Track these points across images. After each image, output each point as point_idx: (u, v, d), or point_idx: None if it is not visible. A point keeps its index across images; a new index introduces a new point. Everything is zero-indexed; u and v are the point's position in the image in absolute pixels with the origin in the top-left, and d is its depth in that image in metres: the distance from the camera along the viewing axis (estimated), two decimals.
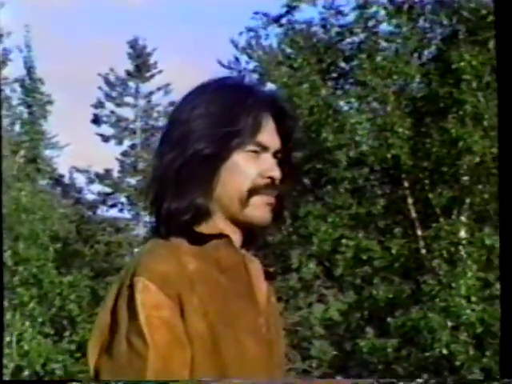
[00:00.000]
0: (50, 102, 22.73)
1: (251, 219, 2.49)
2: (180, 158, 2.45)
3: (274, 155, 2.52)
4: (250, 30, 20.72)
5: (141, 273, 2.36)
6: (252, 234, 2.57)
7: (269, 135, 2.51)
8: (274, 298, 2.66)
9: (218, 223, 2.48)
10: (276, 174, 2.49)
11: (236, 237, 2.52)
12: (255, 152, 2.49)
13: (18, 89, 22.02)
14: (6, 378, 19.70)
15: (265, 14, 19.58)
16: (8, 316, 19.97)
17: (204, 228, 2.46)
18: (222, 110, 2.48)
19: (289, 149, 2.57)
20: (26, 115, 22.42)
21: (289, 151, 2.57)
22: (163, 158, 2.47)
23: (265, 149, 2.50)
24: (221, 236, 2.48)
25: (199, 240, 2.46)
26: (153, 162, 2.55)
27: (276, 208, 2.53)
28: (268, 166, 2.49)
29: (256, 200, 2.48)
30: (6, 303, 20.02)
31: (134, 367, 2.33)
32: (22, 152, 21.85)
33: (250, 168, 2.48)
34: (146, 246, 2.50)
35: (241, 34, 21.35)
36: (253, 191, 2.47)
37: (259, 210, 2.49)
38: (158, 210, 2.48)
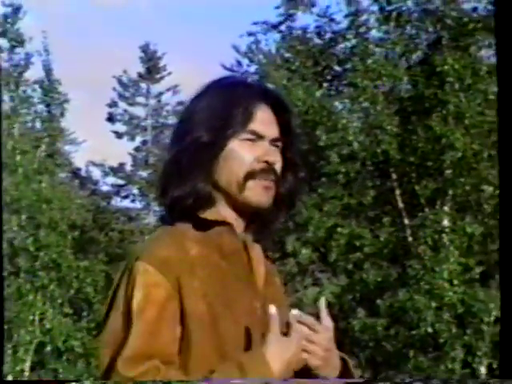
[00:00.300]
0: (66, 101, 22.86)
1: (249, 202, 2.49)
2: (184, 148, 2.48)
3: (272, 143, 2.52)
4: (250, 34, 20.93)
5: (143, 257, 2.40)
6: (258, 223, 2.57)
7: (263, 124, 2.51)
8: (278, 279, 2.70)
9: (221, 210, 2.50)
10: (271, 158, 2.50)
11: (238, 223, 2.52)
12: (251, 140, 2.49)
13: (38, 89, 22.09)
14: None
15: (264, 22, 19.90)
16: (30, 297, 20.17)
17: (208, 214, 2.47)
18: (220, 103, 2.50)
19: (289, 138, 2.57)
20: (45, 113, 22.53)
21: (290, 140, 2.57)
22: (169, 153, 2.53)
23: (260, 137, 2.50)
24: (224, 223, 2.48)
25: (203, 226, 2.47)
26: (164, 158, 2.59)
27: (279, 195, 2.54)
28: (263, 152, 2.50)
29: (253, 184, 2.48)
30: (28, 286, 20.32)
31: (117, 342, 2.35)
32: (43, 147, 21.93)
33: (245, 154, 2.49)
34: (154, 233, 2.57)
35: (241, 36, 21.47)
36: (249, 175, 2.47)
37: (256, 193, 2.48)
38: (164, 200, 2.50)
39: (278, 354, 2.36)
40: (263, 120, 2.51)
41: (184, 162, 2.47)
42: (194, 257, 2.42)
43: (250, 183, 2.48)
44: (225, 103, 2.50)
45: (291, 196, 2.59)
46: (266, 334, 2.39)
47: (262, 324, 2.45)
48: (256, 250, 2.56)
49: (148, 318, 2.34)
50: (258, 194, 2.49)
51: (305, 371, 2.47)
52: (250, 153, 2.49)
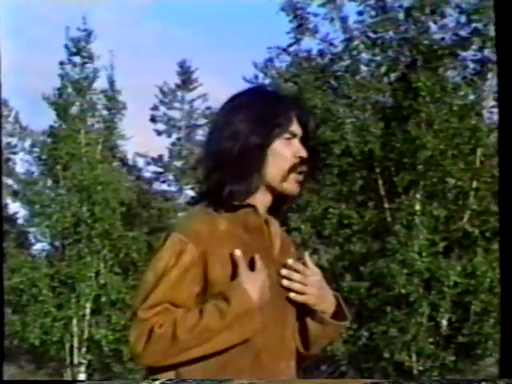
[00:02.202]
0: (125, 108, 22.84)
1: (287, 191, 2.48)
2: (236, 148, 2.40)
3: (300, 140, 2.50)
4: (268, 60, 21.04)
5: (178, 229, 2.39)
6: (278, 203, 2.53)
7: (296, 125, 2.48)
8: (293, 248, 2.62)
9: (255, 197, 2.46)
10: (304, 154, 2.47)
11: (263, 205, 2.48)
12: (288, 139, 2.47)
13: (102, 97, 22.14)
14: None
15: (277, 47, 19.72)
16: (88, 258, 20.25)
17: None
18: (263, 110, 2.45)
19: (307, 135, 2.52)
20: (107, 116, 22.53)
21: (308, 137, 2.51)
22: (220, 146, 2.44)
23: (294, 136, 2.48)
24: (249, 206, 2.44)
25: (235, 208, 2.43)
26: (208, 148, 2.50)
27: (302, 182, 2.52)
28: (298, 149, 2.47)
29: (292, 176, 2.46)
30: (86, 249, 20.36)
31: (145, 294, 2.35)
32: (102, 142, 21.95)
33: (286, 151, 2.46)
34: (191, 210, 2.52)
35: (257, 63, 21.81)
36: (290, 169, 2.45)
37: (293, 184, 2.47)
38: (214, 187, 2.42)
39: (251, 282, 2.34)
40: (296, 122, 2.50)
41: (241, 161, 2.41)
42: (223, 231, 2.38)
43: (291, 176, 2.46)
44: (268, 109, 2.46)
45: (304, 182, 2.56)
46: (238, 271, 2.37)
47: (276, 286, 2.44)
48: (274, 226, 2.53)
49: (171, 277, 2.33)
50: (294, 185, 2.48)
51: (307, 309, 2.49)
52: (288, 150, 2.47)
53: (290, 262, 2.47)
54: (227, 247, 2.37)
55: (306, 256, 2.54)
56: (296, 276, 2.46)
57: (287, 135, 2.47)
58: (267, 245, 2.48)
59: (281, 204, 2.54)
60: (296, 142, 2.49)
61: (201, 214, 2.42)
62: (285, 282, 2.48)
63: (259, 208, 2.48)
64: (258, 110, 2.47)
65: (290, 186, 2.48)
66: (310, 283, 2.48)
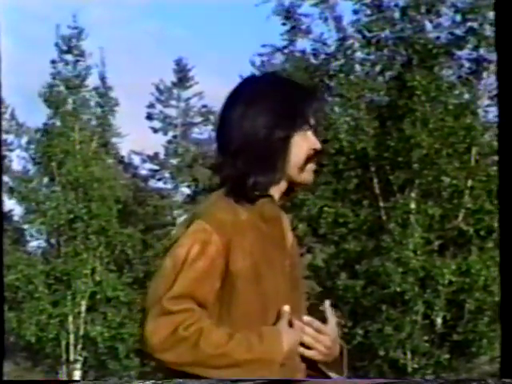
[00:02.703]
0: (116, 104, 22.87)
1: (304, 181, 2.44)
2: (261, 139, 2.37)
3: (313, 131, 2.46)
4: (260, 55, 21.00)
5: (203, 217, 2.30)
6: (288, 190, 2.48)
7: (312, 117, 2.46)
8: (296, 245, 2.56)
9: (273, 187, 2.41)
10: (318, 146, 2.45)
11: (278, 194, 2.43)
12: (306, 130, 2.43)
13: (94, 94, 22.19)
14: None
15: (271, 45, 19.77)
16: (84, 255, 20.23)
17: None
18: (286, 101, 2.41)
19: (318, 126, 2.49)
20: (99, 113, 22.56)
21: (318, 127, 2.49)
22: (241, 135, 2.37)
23: (311, 127, 2.44)
24: (266, 195, 2.39)
25: (252, 200, 2.37)
26: (227, 135, 2.42)
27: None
28: (314, 141, 2.43)
29: (308, 167, 2.42)
30: (82, 246, 20.35)
31: (168, 281, 2.25)
32: (96, 139, 21.94)
33: (304, 143, 2.41)
34: (211, 197, 2.43)
35: (256, 55, 21.68)
36: (307, 160, 2.41)
37: (309, 174, 2.44)
38: (236, 177, 2.36)
39: (288, 335, 2.29)
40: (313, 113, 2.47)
41: (266, 153, 2.36)
42: (244, 221, 2.33)
43: (307, 166, 2.43)
44: (291, 101, 2.42)
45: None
46: (278, 322, 2.31)
47: (290, 279, 2.40)
48: (286, 219, 2.50)
49: (198, 268, 2.25)
50: (310, 175, 2.45)
51: (311, 361, 2.42)
52: (306, 141, 2.42)
53: (308, 319, 2.40)
54: (248, 238, 2.32)
55: (327, 305, 2.47)
56: (309, 330, 2.39)
57: (307, 127, 2.44)
58: (282, 236, 2.44)
59: (290, 191, 2.50)
60: (311, 134, 2.45)
61: (223, 202, 2.35)
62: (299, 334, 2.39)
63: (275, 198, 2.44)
64: (280, 100, 2.42)
65: (307, 176, 2.45)
66: (321, 340, 2.41)
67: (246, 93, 2.43)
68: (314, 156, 2.44)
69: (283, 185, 2.43)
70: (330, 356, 2.43)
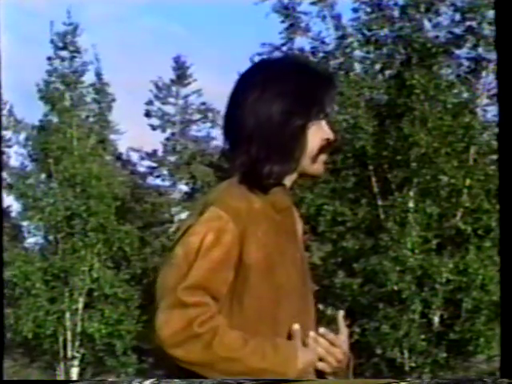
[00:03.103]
0: (113, 100, 22.87)
1: (316, 172, 2.35)
2: (276, 126, 2.26)
3: (327, 120, 2.36)
4: (259, 54, 20.67)
5: (217, 204, 2.20)
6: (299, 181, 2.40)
7: (328, 106, 2.36)
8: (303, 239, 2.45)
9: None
10: (332, 136, 2.34)
11: (290, 183, 2.34)
12: (320, 119, 2.32)
13: (91, 90, 22.23)
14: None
15: (270, 44, 19.50)
16: (82, 252, 20.22)
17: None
18: (302, 86, 2.30)
19: (330, 114, 2.38)
20: (96, 110, 22.57)
21: (329, 116, 2.37)
22: (256, 122, 2.26)
23: (326, 116, 2.34)
24: (279, 184, 2.29)
25: (266, 188, 2.27)
26: (240, 119, 2.28)
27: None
28: (327, 131, 2.33)
29: (321, 158, 2.33)
30: (80, 243, 20.34)
31: (181, 270, 2.16)
32: (93, 136, 21.93)
33: (317, 133, 2.30)
34: (223, 185, 2.32)
35: (253, 56, 21.43)
36: (320, 151, 2.32)
37: (321, 165, 2.34)
38: (250, 164, 2.26)
39: (304, 353, 2.22)
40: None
41: (283, 141, 2.25)
42: (258, 209, 2.23)
43: (320, 157, 2.32)
44: (307, 87, 2.31)
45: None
46: (295, 339, 2.23)
47: (301, 271, 2.32)
48: (296, 210, 2.42)
49: (213, 257, 2.15)
50: (321, 166, 2.35)
51: (319, 372, 2.34)
52: (319, 131, 2.31)
53: (322, 331, 2.32)
54: (262, 227, 2.22)
55: (341, 316, 2.39)
56: (323, 342, 2.31)
57: (322, 115, 2.32)
58: (294, 228, 2.35)
59: (299, 180, 2.41)
60: (324, 123, 2.34)
61: (237, 190, 2.25)
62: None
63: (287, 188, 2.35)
64: (298, 85, 2.29)
65: (319, 167, 2.34)
66: (333, 352, 2.33)
67: (261, 76, 2.31)
68: (327, 147, 2.34)
69: (294, 176, 2.34)
70: (339, 369, 2.36)
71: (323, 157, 2.33)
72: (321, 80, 2.34)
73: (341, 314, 2.40)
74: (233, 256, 2.18)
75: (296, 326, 2.24)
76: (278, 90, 2.26)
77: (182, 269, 2.15)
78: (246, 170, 2.26)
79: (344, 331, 2.37)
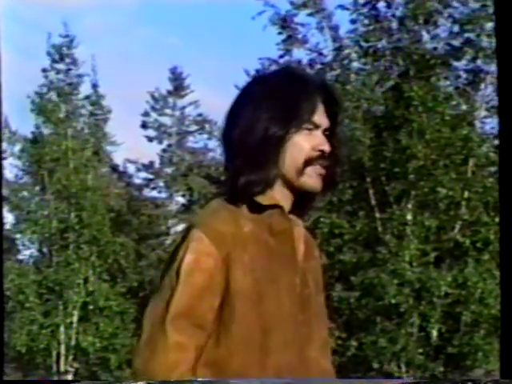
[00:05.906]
0: (109, 112, 22.94)
1: (305, 186, 2.26)
2: (255, 138, 2.23)
3: (323, 132, 2.29)
4: (257, 70, 20.10)
5: (200, 227, 2.16)
6: (302, 201, 2.32)
7: (320, 116, 2.27)
8: (317, 252, 2.43)
9: (275, 194, 2.25)
10: (326, 147, 2.27)
11: (287, 204, 2.27)
12: (308, 129, 2.26)
13: (87, 102, 22.31)
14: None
15: (267, 58, 19.36)
16: (76, 265, 20.15)
17: (263, 199, 2.22)
18: (287, 97, 2.26)
19: (334, 127, 2.32)
20: (92, 121, 22.59)
21: (334, 129, 2.32)
22: (238, 136, 2.26)
23: (316, 127, 2.27)
24: (276, 206, 2.24)
25: (258, 208, 2.22)
26: (227, 137, 2.31)
27: (326, 178, 2.29)
28: (319, 141, 2.26)
29: (310, 170, 2.24)
30: (74, 256, 20.32)
31: (164, 298, 2.12)
32: (89, 147, 21.89)
33: (304, 143, 2.25)
34: (211, 205, 2.28)
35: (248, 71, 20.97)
36: (307, 162, 2.24)
37: (312, 178, 2.26)
38: (235, 181, 2.23)
39: None
40: (320, 112, 2.29)
41: (258, 151, 2.22)
42: (247, 233, 2.17)
43: (308, 170, 2.25)
44: (290, 96, 2.27)
45: (332, 179, 2.32)
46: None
47: (300, 298, 2.24)
48: (298, 228, 2.32)
49: (194, 283, 2.11)
50: (314, 179, 2.26)
51: None
52: (307, 142, 2.26)
53: None
54: (250, 252, 2.15)
55: None
56: None
57: (309, 126, 2.26)
58: (292, 251, 2.25)
59: (305, 202, 2.33)
60: (318, 134, 2.27)
61: (224, 212, 2.19)
62: None
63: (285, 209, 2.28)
64: (281, 97, 2.27)
65: (309, 180, 2.25)
66: None
67: (250, 91, 2.31)
68: (318, 158, 2.25)
69: (288, 194, 2.27)
70: None
71: (313, 169, 2.25)
72: (310, 90, 2.28)
73: None
74: (218, 282, 2.12)
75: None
76: (261, 103, 2.24)
77: (165, 296, 2.13)
78: (227, 184, 2.25)
79: None
